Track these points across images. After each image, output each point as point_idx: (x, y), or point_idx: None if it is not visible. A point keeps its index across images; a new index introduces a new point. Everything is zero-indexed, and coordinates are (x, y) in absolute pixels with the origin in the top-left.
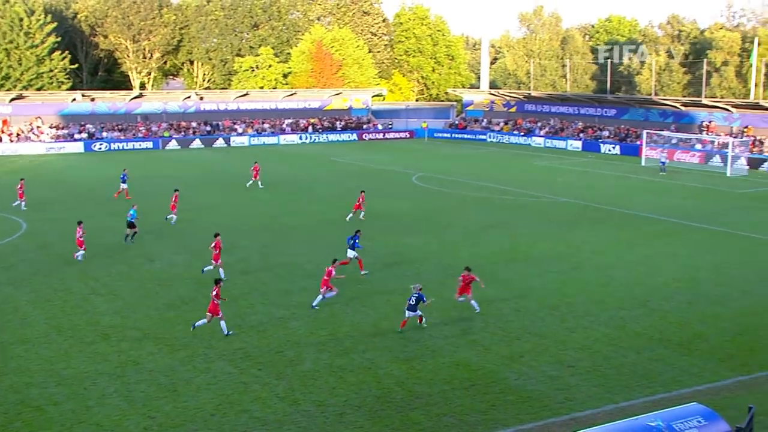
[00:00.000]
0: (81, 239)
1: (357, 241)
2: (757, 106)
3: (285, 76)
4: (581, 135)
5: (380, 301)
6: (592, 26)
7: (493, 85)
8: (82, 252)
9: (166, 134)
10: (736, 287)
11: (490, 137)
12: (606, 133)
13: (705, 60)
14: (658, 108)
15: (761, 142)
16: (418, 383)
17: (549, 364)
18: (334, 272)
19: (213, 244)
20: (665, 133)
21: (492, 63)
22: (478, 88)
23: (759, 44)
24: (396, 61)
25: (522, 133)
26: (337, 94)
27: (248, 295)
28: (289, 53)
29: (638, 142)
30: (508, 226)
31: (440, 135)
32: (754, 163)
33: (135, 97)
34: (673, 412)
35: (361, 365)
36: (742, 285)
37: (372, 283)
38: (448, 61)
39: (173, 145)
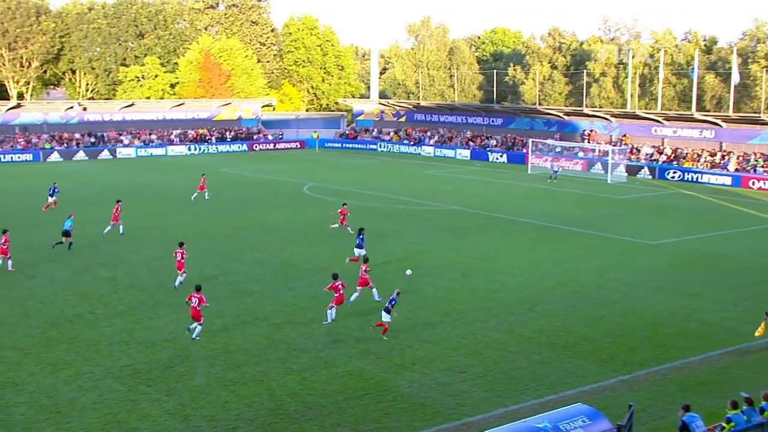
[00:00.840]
0: (4, 247)
1: (362, 239)
2: (633, 116)
3: (172, 86)
4: (470, 144)
5: (273, 313)
6: (478, 37)
7: (382, 95)
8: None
9: (48, 146)
10: (616, 290)
11: (380, 147)
12: (493, 142)
13: (585, 71)
14: (542, 117)
15: (638, 150)
16: (311, 394)
17: (441, 371)
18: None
19: (178, 254)
20: (550, 141)
21: (381, 73)
22: (368, 98)
23: (633, 56)
24: (286, 71)
25: (412, 143)
26: (227, 104)
27: (136, 310)
28: (176, 63)
29: (524, 151)
30: (400, 235)
31: (331, 145)
32: (632, 170)
33: (12, 108)
34: (559, 413)
35: (253, 378)
36: (623, 287)
37: (263, 294)
38: (338, 71)
39: (55, 157)
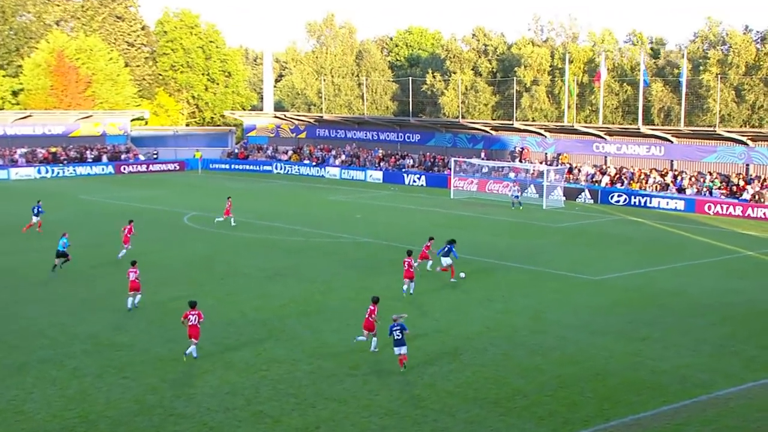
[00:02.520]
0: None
1: (453, 249)
2: (571, 130)
3: (15, 94)
4: (382, 164)
5: (146, 371)
6: (391, 39)
7: (278, 107)
8: None
9: None
10: (554, 334)
11: (276, 168)
12: (410, 162)
13: (514, 78)
14: (466, 132)
15: (578, 170)
16: None
17: None
18: (413, 263)
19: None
20: (475, 161)
21: (277, 80)
22: (261, 110)
23: (570, 62)
24: (160, 77)
25: (314, 163)
26: (87, 117)
27: None
28: (19, 66)
29: (446, 172)
30: (299, 273)
31: (217, 166)
32: (571, 194)
33: None
34: None
35: None
36: (560, 330)
37: (133, 348)
38: (224, 77)
39: None
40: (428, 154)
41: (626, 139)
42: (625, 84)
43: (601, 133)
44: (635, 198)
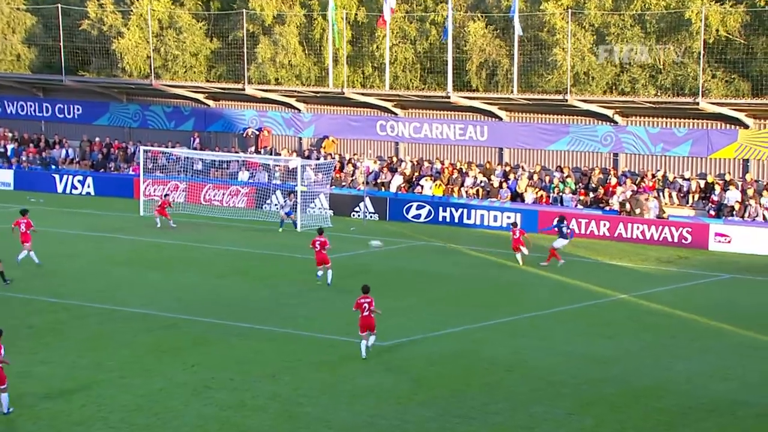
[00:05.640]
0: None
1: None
2: (341, 100)
3: None
4: (12, 158)
5: None
6: None
7: None
8: None
9: None
10: None
11: None
12: (65, 153)
13: (244, 11)
14: (164, 102)
15: (353, 166)
16: None
17: None
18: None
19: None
20: (181, 151)
21: None
22: None
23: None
24: None
25: None
26: None
27: None
28: None
29: (131, 170)
30: None
31: None
32: (342, 205)
33: None
34: None
35: None
36: None
37: None
38: None
39: None
40: (98, 139)
41: (429, 115)
42: (427, 26)
43: (389, 105)
44: (444, 211)
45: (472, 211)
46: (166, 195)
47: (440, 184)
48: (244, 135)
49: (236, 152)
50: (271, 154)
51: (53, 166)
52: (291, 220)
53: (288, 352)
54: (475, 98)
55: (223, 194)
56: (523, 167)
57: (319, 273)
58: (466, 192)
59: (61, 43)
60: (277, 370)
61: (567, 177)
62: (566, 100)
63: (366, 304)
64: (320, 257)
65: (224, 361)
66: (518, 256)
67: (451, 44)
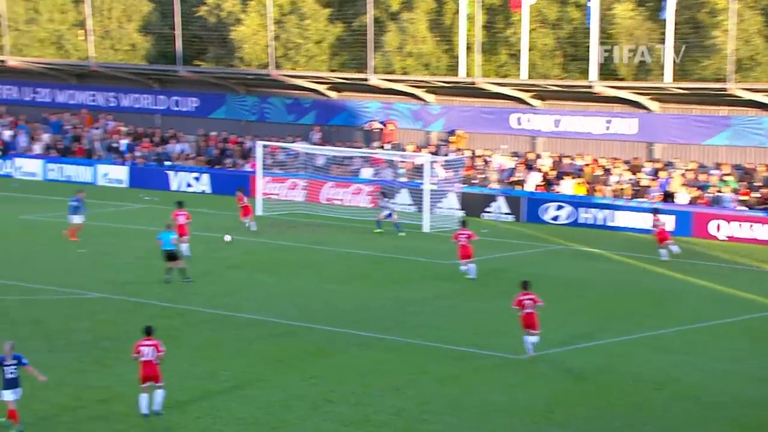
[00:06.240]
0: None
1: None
2: (473, 90)
3: None
4: (126, 153)
5: None
6: None
7: None
8: None
9: None
10: None
11: None
12: (180, 149)
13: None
14: (283, 94)
15: (485, 162)
16: None
17: None
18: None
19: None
20: (301, 146)
21: None
22: None
23: None
24: None
25: None
26: None
27: None
28: None
29: (248, 167)
30: None
31: None
32: (474, 204)
33: None
34: None
35: None
36: None
37: None
38: None
39: None
40: (213, 134)
41: (570, 106)
42: (568, 8)
43: (526, 96)
44: (586, 212)
45: (618, 213)
46: (239, 189)
47: (582, 183)
48: (368, 129)
49: (359, 147)
50: (396, 150)
51: (167, 162)
52: (394, 222)
53: (413, 364)
54: (623, 88)
55: (345, 193)
56: (674, 164)
57: (463, 267)
58: (612, 191)
59: (178, 31)
60: (401, 383)
61: (727, 175)
62: (727, 89)
63: (527, 301)
64: (465, 251)
65: (345, 373)
66: (663, 252)
67: (596, 28)
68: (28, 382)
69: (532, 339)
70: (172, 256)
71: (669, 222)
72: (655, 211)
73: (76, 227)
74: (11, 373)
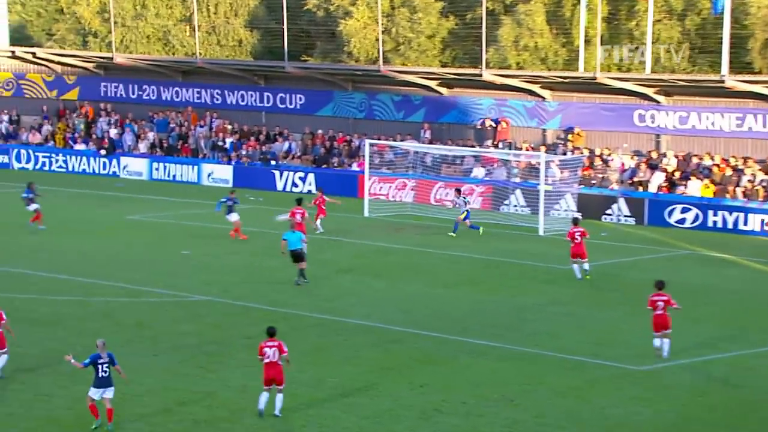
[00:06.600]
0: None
1: None
2: (593, 86)
3: None
4: (231, 150)
5: None
6: None
7: (19, 37)
8: None
9: None
10: None
11: (18, 158)
12: (286, 147)
13: None
14: (392, 90)
15: (605, 162)
16: None
17: None
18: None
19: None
20: (411, 144)
21: None
22: None
23: None
24: None
25: (96, 149)
26: None
27: None
28: None
29: (356, 166)
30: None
31: None
32: (593, 206)
33: None
34: None
35: None
36: None
37: None
38: None
39: None
40: (320, 132)
41: (698, 102)
42: None
43: (650, 91)
44: (715, 215)
45: (750, 216)
46: (319, 189)
47: (710, 184)
48: (481, 127)
49: (471, 146)
50: (510, 149)
51: (273, 162)
52: (469, 224)
53: (528, 374)
54: (757, 82)
55: (452, 194)
56: None
57: (575, 266)
58: (743, 192)
59: (285, 26)
60: (515, 394)
61: None
62: None
63: (661, 303)
64: (578, 249)
65: (455, 382)
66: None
67: (729, 17)
68: (132, 385)
69: (664, 341)
70: (298, 256)
71: None
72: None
73: (237, 224)
74: (104, 371)
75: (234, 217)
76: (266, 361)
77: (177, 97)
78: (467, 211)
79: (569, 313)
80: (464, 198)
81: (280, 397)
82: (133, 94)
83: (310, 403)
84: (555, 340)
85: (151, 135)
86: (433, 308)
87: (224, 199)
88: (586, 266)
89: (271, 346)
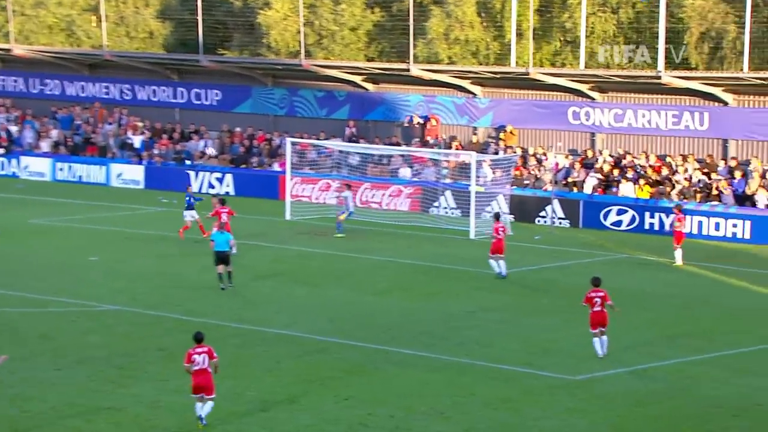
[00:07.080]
0: None
1: None
2: (525, 81)
3: None
4: (143, 149)
5: None
6: None
7: None
8: None
9: None
10: None
11: None
12: (202, 146)
13: None
14: (315, 86)
15: (539, 162)
16: None
17: None
18: None
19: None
20: (335, 143)
21: None
22: None
23: None
24: None
25: None
26: None
27: None
28: None
29: (276, 166)
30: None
31: None
32: (527, 208)
33: None
34: None
35: None
36: None
37: None
38: None
39: None
40: (238, 130)
41: (634, 99)
42: None
43: (584, 87)
44: (652, 216)
45: (687, 218)
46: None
47: (647, 184)
48: (408, 124)
49: (398, 145)
50: (439, 148)
51: (188, 161)
52: (342, 219)
53: (459, 385)
54: (694, 78)
55: (383, 195)
56: (752, 160)
57: (493, 263)
58: (679, 194)
59: (199, 17)
60: (445, 406)
61: None
62: None
63: (598, 299)
64: (498, 245)
65: (382, 395)
66: (677, 253)
67: (664, 11)
68: (34, 402)
69: (603, 339)
70: (224, 259)
71: (744, 228)
72: (678, 209)
73: (187, 225)
74: None
75: (189, 215)
76: (195, 368)
77: (83, 92)
78: (351, 212)
79: (502, 321)
80: (350, 195)
81: (209, 404)
82: (34, 88)
83: (227, 419)
84: (487, 349)
85: (54, 133)
86: (359, 316)
87: (188, 196)
88: (503, 263)
89: (200, 353)
